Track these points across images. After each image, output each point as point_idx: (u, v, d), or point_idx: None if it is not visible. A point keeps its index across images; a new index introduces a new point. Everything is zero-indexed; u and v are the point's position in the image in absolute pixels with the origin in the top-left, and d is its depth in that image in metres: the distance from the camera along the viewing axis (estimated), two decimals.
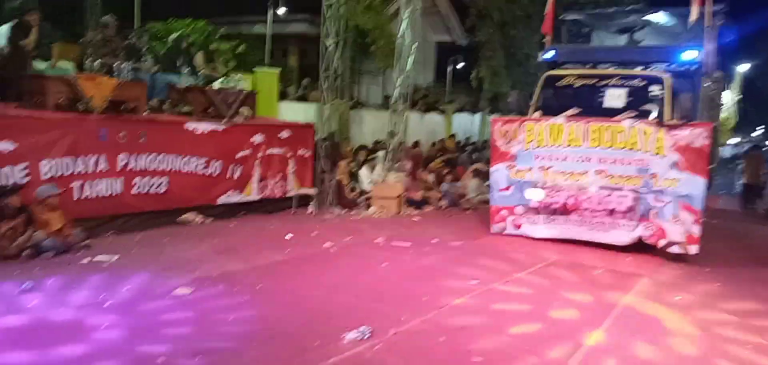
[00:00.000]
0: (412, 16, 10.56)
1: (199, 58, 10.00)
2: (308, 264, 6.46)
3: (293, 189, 9.61)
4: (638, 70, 8.78)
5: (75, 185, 6.71)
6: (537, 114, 8.57)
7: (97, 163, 6.93)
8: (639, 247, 7.67)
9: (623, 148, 7.60)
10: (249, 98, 9.44)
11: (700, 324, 5.23)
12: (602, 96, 8.43)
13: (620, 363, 4.27)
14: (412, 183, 11.56)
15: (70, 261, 5.87)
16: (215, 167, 8.37)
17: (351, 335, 4.30)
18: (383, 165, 10.89)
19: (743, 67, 22.30)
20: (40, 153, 6.42)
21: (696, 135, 7.19)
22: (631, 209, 7.62)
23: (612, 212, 7.72)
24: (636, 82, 8.39)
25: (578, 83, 8.67)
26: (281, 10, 16.00)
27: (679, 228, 7.32)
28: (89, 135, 6.91)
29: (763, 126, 35.41)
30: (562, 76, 8.91)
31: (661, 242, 7.48)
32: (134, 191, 7.36)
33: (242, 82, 10.30)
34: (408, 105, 11.10)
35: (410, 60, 10.67)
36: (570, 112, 8.10)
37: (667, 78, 8.26)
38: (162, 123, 8.01)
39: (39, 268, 5.52)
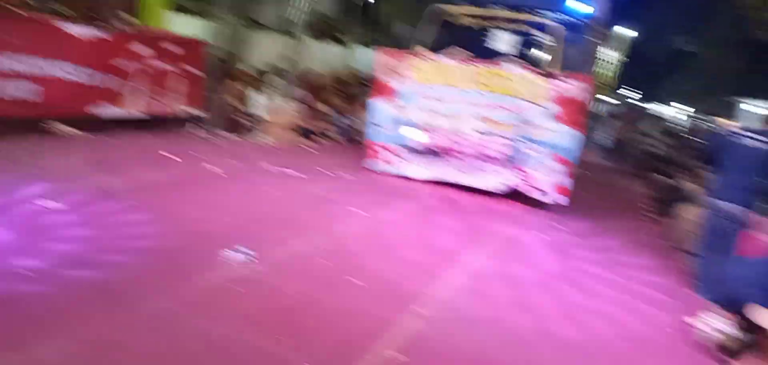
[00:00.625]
0: None
1: None
2: (193, 186, 6.21)
3: (181, 109, 9.12)
4: (529, 16, 8.70)
5: None
6: (422, 50, 8.29)
7: None
8: (513, 194, 7.87)
9: (506, 94, 7.53)
10: (133, 4, 8.71)
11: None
12: (491, 38, 8.37)
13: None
14: (309, 113, 11.39)
15: None
16: (91, 76, 7.70)
17: (231, 255, 4.22)
18: (279, 92, 10.60)
19: (630, 32, 23.50)
20: None
21: (576, 88, 7.23)
22: (507, 156, 7.62)
23: (488, 157, 7.71)
24: (523, 28, 8.37)
25: (465, 22, 8.53)
26: None
27: (551, 179, 7.43)
28: None
29: (639, 90, 38.30)
30: (448, 13, 8.64)
31: (533, 192, 7.59)
32: None
33: None
34: (307, 32, 10.80)
35: None
36: (454, 51, 7.97)
37: (555, 26, 8.16)
38: (29, 21, 7.19)
39: None
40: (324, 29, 16.78)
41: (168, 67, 8.83)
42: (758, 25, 9.03)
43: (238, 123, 9.79)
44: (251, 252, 4.32)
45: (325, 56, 16.11)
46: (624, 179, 12.90)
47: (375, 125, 8.15)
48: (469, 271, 4.92)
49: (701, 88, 22.57)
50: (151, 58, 8.51)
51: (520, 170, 7.56)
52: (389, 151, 8.12)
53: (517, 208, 7.54)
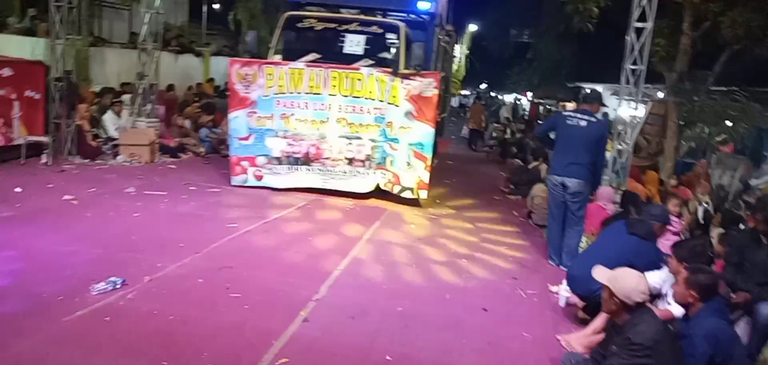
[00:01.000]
0: None
1: None
2: (46, 218, 5.82)
3: (21, 136, 8.39)
4: (377, 17, 8.76)
5: None
6: (277, 57, 8.27)
7: None
8: (378, 194, 8.01)
9: (361, 97, 7.63)
10: None
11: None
12: (343, 41, 8.33)
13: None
14: (167, 129, 10.98)
15: None
16: None
17: (100, 286, 4.10)
18: (132, 109, 10.10)
19: (472, 26, 25.26)
20: None
21: (426, 85, 7.45)
22: (368, 158, 7.78)
23: (352, 160, 7.81)
24: (374, 29, 8.37)
25: (319, 27, 8.43)
26: None
27: (411, 175, 7.68)
28: None
29: (486, 81, 41.10)
30: (302, 18, 8.55)
31: (396, 189, 7.79)
32: None
33: None
34: (159, 45, 10.39)
35: None
36: (310, 57, 7.91)
37: (402, 27, 8.30)
38: None
39: None
40: (177, 41, 16.19)
41: (3, 93, 8.09)
42: (578, 17, 10.15)
43: (88, 146, 9.20)
44: (120, 280, 4.21)
45: (180, 69, 15.56)
46: (483, 165, 13.99)
47: (236, 137, 7.92)
48: (347, 269, 5.19)
49: (540, 77, 24.88)
50: None
51: (384, 168, 7.78)
52: (252, 163, 7.94)
53: (386, 202, 7.95)
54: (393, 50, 8.19)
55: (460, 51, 17.91)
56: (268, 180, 7.94)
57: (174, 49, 15.45)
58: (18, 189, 6.74)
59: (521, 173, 10.77)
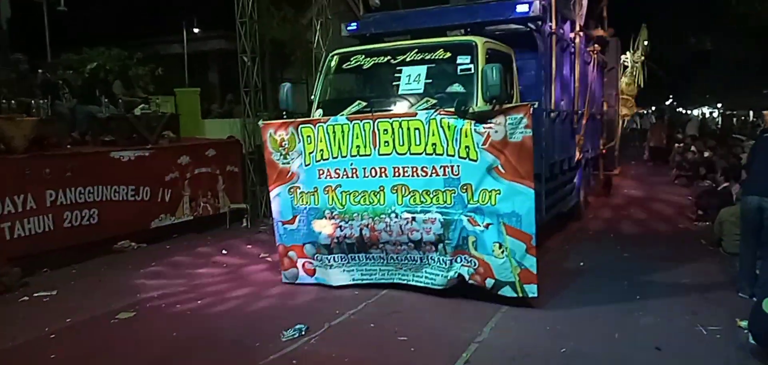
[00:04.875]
0: (324, 26, 10.99)
1: (117, 86, 10.06)
2: (246, 275, 6.82)
3: (225, 206, 9.87)
4: (445, 38, 6.55)
5: (5, 225, 6.74)
6: (319, 113, 6.36)
7: (25, 202, 6.96)
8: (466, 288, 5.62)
9: (422, 152, 5.49)
10: (172, 120, 9.62)
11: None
12: (398, 78, 6.16)
13: None
14: None
15: (9, 301, 5.97)
16: (145, 193, 8.51)
17: (288, 332, 4.76)
18: None
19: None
20: None
21: (512, 125, 5.13)
22: (441, 239, 5.54)
23: (419, 243, 5.64)
24: (437, 55, 6.07)
25: (368, 63, 6.40)
26: (196, 29, 16.04)
27: (507, 263, 5.29)
28: (14, 175, 6.95)
29: (671, 96, 36.15)
30: (349, 56, 6.59)
31: (488, 283, 5.40)
32: (65, 224, 7.42)
33: (164, 104, 10.43)
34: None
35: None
36: (353, 107, 6.07)
37: (479, 43, 5.94)
38: (86, 155, 8.09)
39: None
40: None
41: (210, 170, 9.64)
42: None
43: None
44: (304, 327, 4.85)
45: None
46: (666, 188, 12.99)
47: (280, 221, 6.24)
48: (508, 310, 5.30)
49: (726, 85, 22.44)
50: (194, 165, 9.33)
51: (466, 253, 5.48)
52: (300, 254, 6.20)
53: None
54: (465, 80, 5.90)
55: (631, 60, 15.34)
56: (321, 275, 6.17)
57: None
58: (224, 251, 7.94)
59: (710, 197, 9.79)
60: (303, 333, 4.79)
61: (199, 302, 5.80)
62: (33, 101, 7.87)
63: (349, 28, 7.54)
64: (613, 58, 11.50)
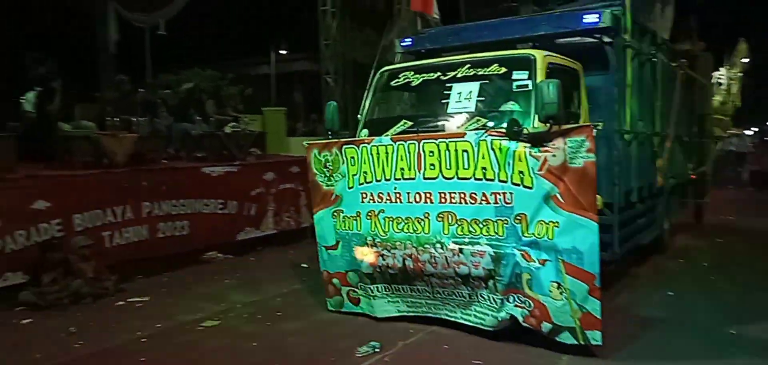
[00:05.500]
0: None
1: (210, 105, 10.63)
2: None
3: (306, 220, 10.11)
4: (500, 52, 5.82)
5: (105, 234, 7.26)
6: (365, 133, 5.96)
7: (124, 212, 7.49)
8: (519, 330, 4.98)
9: (471, 177, 4.94)
10: (259, 138, 10.03)
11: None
12: (448, 96, 5.67)
13: None
14: None
15: (106, 305, 6.40)
16: (232, 207, 8.91)
17: (363, 349, 4.79)
18: None
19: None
20: (72, 208, 6.98)
21: (572, 149, 4.49)
22: (492, 274, 4.93)
23: (466, 278, 5.05)
24: (492, 70, 5.52)
25: (417, 80, 5.97)
26: (283, 51, 16.72)
27: (567, 305, 4.64)
28: (115, 187, 7.48)
29: None
30: (397, 73, 6.20)
31: (545, 328, 4.78)
32: (159, 235, 7.90)
33: (252, 123, 10.89)
34: None
35: None
36: (398, 127, 5.68)
37: (538, 56, 5.37)
38: (180, 170, 8.59)
39: (79, 313, 6.06)
40: None
41: (293, 186, 9.94)
42: None
43: None
44: (378, 344, 4.86)
45: None
46: None
47: (324, 246, 5.86)
48: None
49: None
50: (279, 181, 9.66)
51: (519, 291, 4.87)
52: (344, 281, 5.84)
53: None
54: (520, 97, 5.33)
55: (726, 77, 13.72)
56: (365, 305, 5.76)
57: None
58: (304, 265, 8.13)
59: None
60: (377, 350, 4.80)
61: (278, 314, 5.97)
62: (134, 119, 8.48)
63: (403, 44, 7.19)
64: (705, 74, 10.53)
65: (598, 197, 5.50)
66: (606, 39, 6.18)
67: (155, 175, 8.00)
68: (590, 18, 5.97)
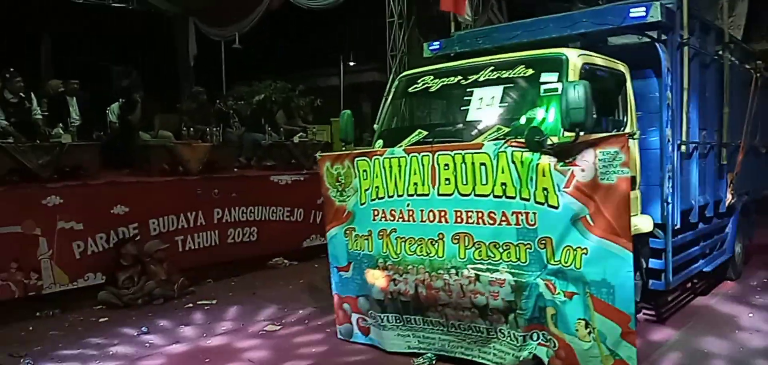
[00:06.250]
0: None
1: (280, 116, 10.91)
2: None
3: None
4: (528, 52, 5.04)
5: (178, 238, 7.60)
6: (379, 144, 5.28)
7: (196, 218, 7.80)
8: None
9: (490, 194, 4.32)
10: (326, 148, 10.18)
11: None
12: (469, 102, 4.99)
13: None
14: None
15: (177, 306, 6.68)
16: (298, 214, 9.10)
17: (418, 361, 4.74)
18: None
19: None
20: (149, 213, 7.35)
21: (604, 162, 3.89)
22: (512, 306, 4.31)
23: (484, 310, 4.42)
24: (518, 73, 4.79)
25: (437, 86, 5.23)
26: (352, 63, 16.95)
27: (594, 348, 4.06)
28: (188, 194, 7.82)
29: None
30: (416, 78, 5.47)
31: None
32: (229, 240, 8.18)
33: (320, 133, 11.08)
34: None
35: None
36: (412, 137, 4.99)
37: (571, 56, 4.66)
38: (250, 178, 8.86)
39: (151, 313, 6.36)
40: None
41: None
42: None
43: None
44: (433, 355, 4.76)
45: None
46: None
47: (336, 267, 5.34)
48: None
49: None
50: None
51: (544, 330, 4.28)
52: (354, 308, 5.28)
53: None
54: (552, 102, 4.55)
55: None
56: (375, 336, 5.18)
57: None
58: None
59: None
60: (433, 361, 4.72)
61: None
62: (207, 129, 8.83)
63: (431, 48, 6.44)
64: None
65: (648, 217, 5.16)
66: (656, 36, 5.38)
67: (226, 183, 8.29)
68: (637, 12, 5.09)
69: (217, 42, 13.57)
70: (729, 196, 6.79)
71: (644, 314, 5.65)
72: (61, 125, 7.55)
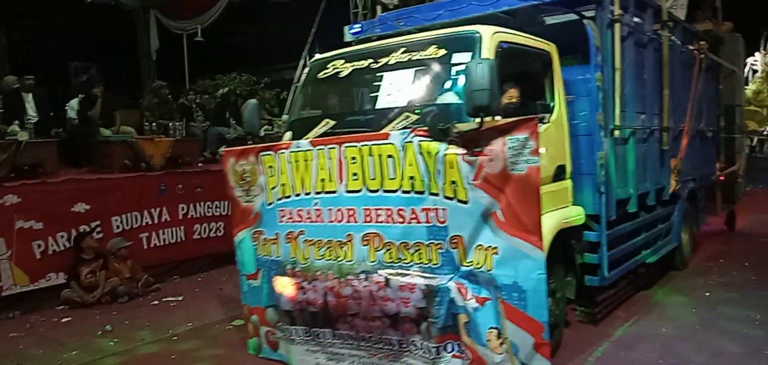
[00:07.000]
0: None
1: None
2: None
3: None
4: (440, 31, 4.63)
5: (143, 235, 7.49)
6: (288, 137, 4.81)
7: (160, 214, 7.70)
8: None
9: (399, 189, 3.87)
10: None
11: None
12: (379, 88, 4.56)
13: None
14: None
15: (142, 304, 6.60)
16: None
17: None
18: None
19: None
20: (111, 210, 7.22)
21: (513, 150, 3.52)
22: (423, 314, 3.88)
23: (395, 319, 3.99)
24: (429, 53, 4.35)
25: (347, 71, 4.77)
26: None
27: (506, 361, 3.68)
28: (152, 190, 7.71)
29: None
30: (326, 63, 4.94)
31: None
32: (195, 236, 8.10)
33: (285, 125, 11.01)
34: None
35: None
36: (319, 128, 4.51)
37: (485, 34, 4.21)
38: (215, 173, 8.73)
39: (116, 312, 6.27)
40: None
41: None
42: None
43: None
44: None
45: None
46: None
47: (245, 275, 4.80)
48: None
49: None
50: None
51: (456, 340, 3.86)
52: (263, 320, 4.72)
53: None
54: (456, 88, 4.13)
55: (762, 63, 11.85)
56: (284, 351, 4.64)
57: None
58: None
59: None
60: None
61: None
62: (170, 123, 8.70)
63: (352, 31, 5.98)
64: (734, 60, 8.69)
65: (579, 209, 4.84)
66: (586, 13, 4.92)
67: (190, 178, 8.20)
68: None
69: (180, 35, 13.34)
70: (673, 183, 6.41)
71: (579, 311, 5.20)
72: (17, 122, 7.37)
